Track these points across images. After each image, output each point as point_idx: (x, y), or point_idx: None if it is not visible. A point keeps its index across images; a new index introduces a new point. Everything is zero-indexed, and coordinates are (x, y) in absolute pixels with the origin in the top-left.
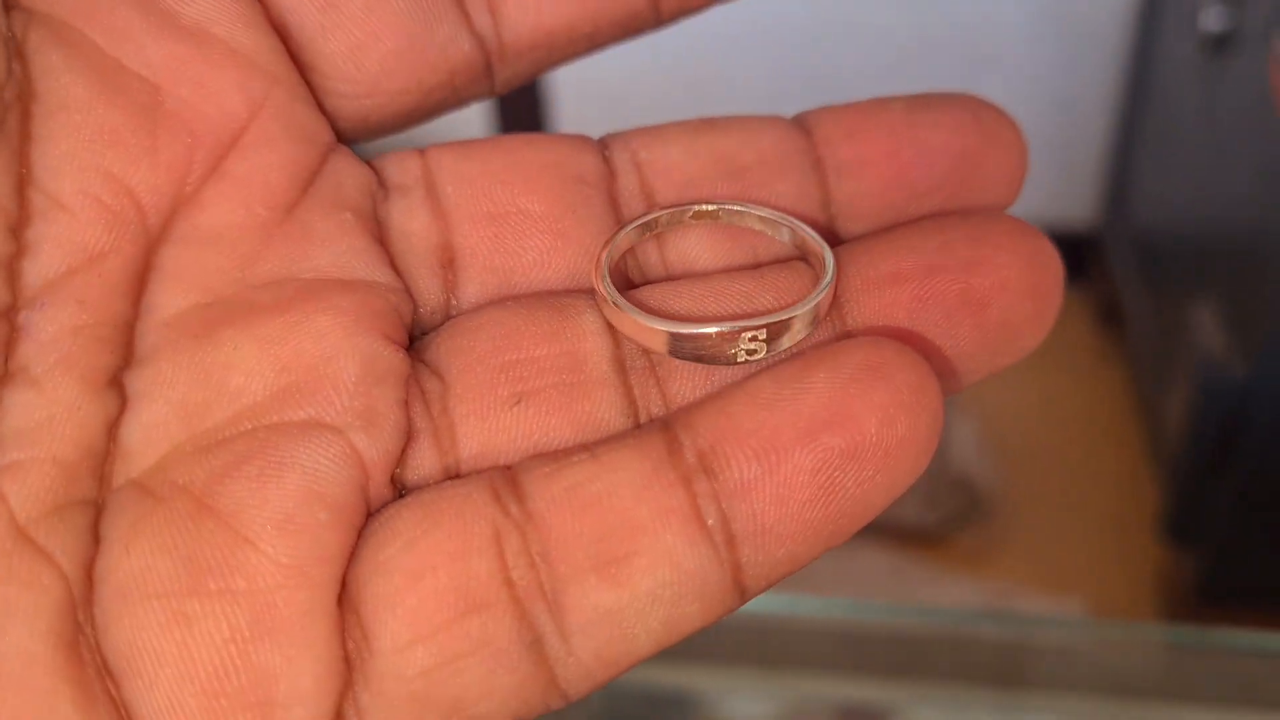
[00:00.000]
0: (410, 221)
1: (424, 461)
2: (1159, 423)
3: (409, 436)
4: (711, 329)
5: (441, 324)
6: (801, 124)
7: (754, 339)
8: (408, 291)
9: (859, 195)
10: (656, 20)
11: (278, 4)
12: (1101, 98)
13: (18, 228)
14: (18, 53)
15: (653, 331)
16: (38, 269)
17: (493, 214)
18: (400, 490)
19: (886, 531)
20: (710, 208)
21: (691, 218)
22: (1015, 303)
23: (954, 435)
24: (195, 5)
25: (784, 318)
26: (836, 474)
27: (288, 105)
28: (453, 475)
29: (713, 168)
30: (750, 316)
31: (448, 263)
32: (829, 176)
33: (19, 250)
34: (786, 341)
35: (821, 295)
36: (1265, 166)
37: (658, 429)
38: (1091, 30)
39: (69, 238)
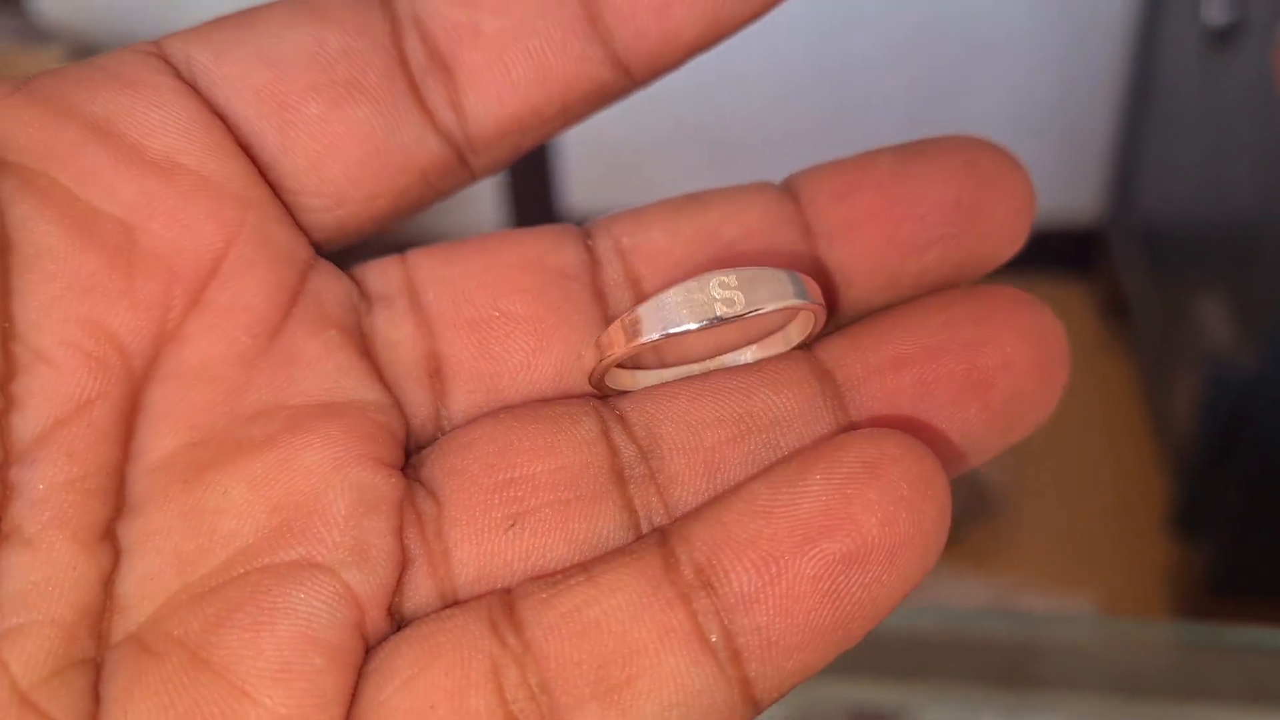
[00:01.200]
0: (395, 331)
1: (420, 589)
2: (1166, 416)
3: (404, 564)
4: (672, 288)
5: (433, 435)
6: (789, 189)
7: (724, 285)
8: (398, 406)
9: (852, 258)
10: (630, 84)
11: (240, 128)
12: (1106, 90)
13: (4, 382)
14: None
15: (630, 319)
16: (26, 424)
17: (475, 319)
18: (398, 620)
19: None
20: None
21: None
22: (1021, 381)
23: None
24: (161, 137)
25: (752, 269)
26: (840, 579)
27: (263, 228)
28: (450, 602)
29: (697, 247)
30: (754, 433)
31: (435, 372)
32: (819, 242)
33: (6, 405)
34: (761, 296)
35: (809, 280)
36: (1270, 158)
37: (654, 544)
38: (1095, 22)
39: (55, 390)
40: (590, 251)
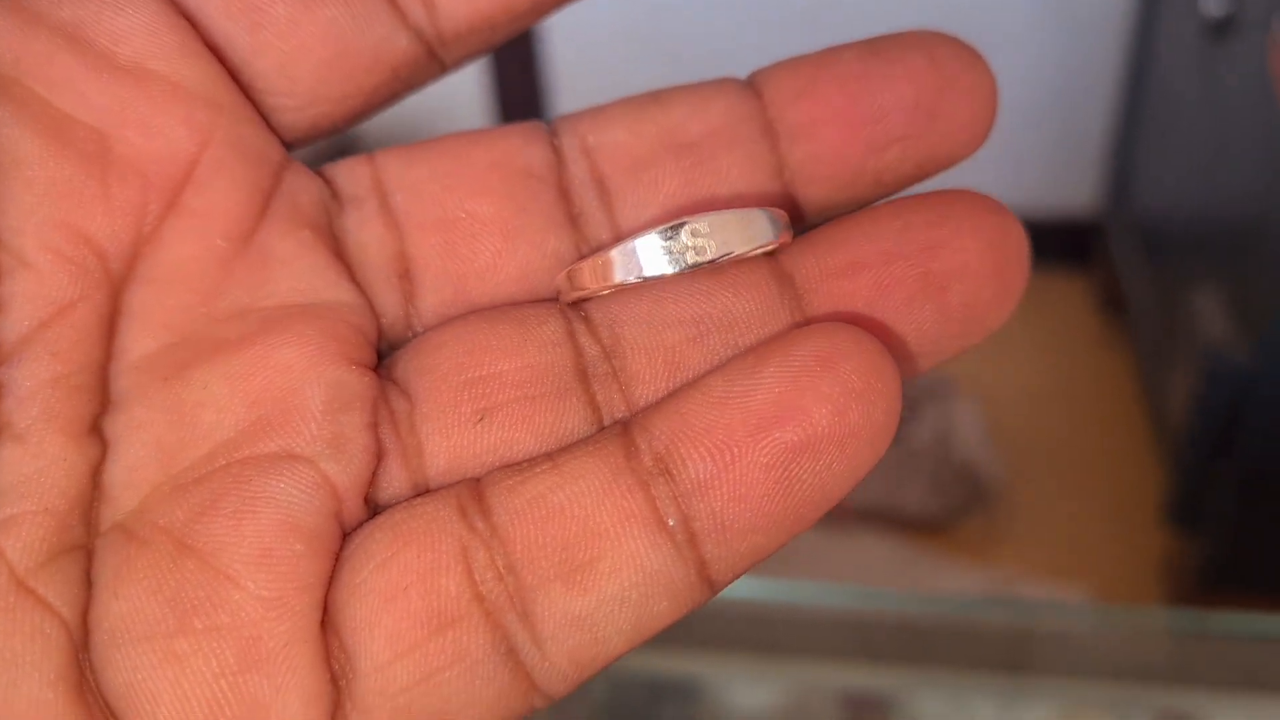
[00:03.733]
0: (365, 233)
1: (394, 481)
2: (1162, 408)
3: (379, 457)
4: (646, 234)
5: (404, 335)
6: (753, 85)
7: (695, 233)
8: (370, 306)
9: (813, 158)
10: None
11: (209, 30)
12: (1103, 84)
13: None
14: None
15: (604, 261)
16: (10, 326)
17: (442, 220)
18: (374, 509)
19: (890, 520)
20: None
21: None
22: (977, 285)
23: (958, 423)
24: (130, 43)
25: (721, 213)
26: (791, 467)
27: (235, 131)
28: (422, 492)
29: (660, 146)
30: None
31: (404, 273)
32: (781, 141)
33: None
34: (731, 240)
35: (778, 211)
36: (1267, 151)
37: (616, 434)
38: (1092, 16)
39: (37, 292)
40: (556, 150)
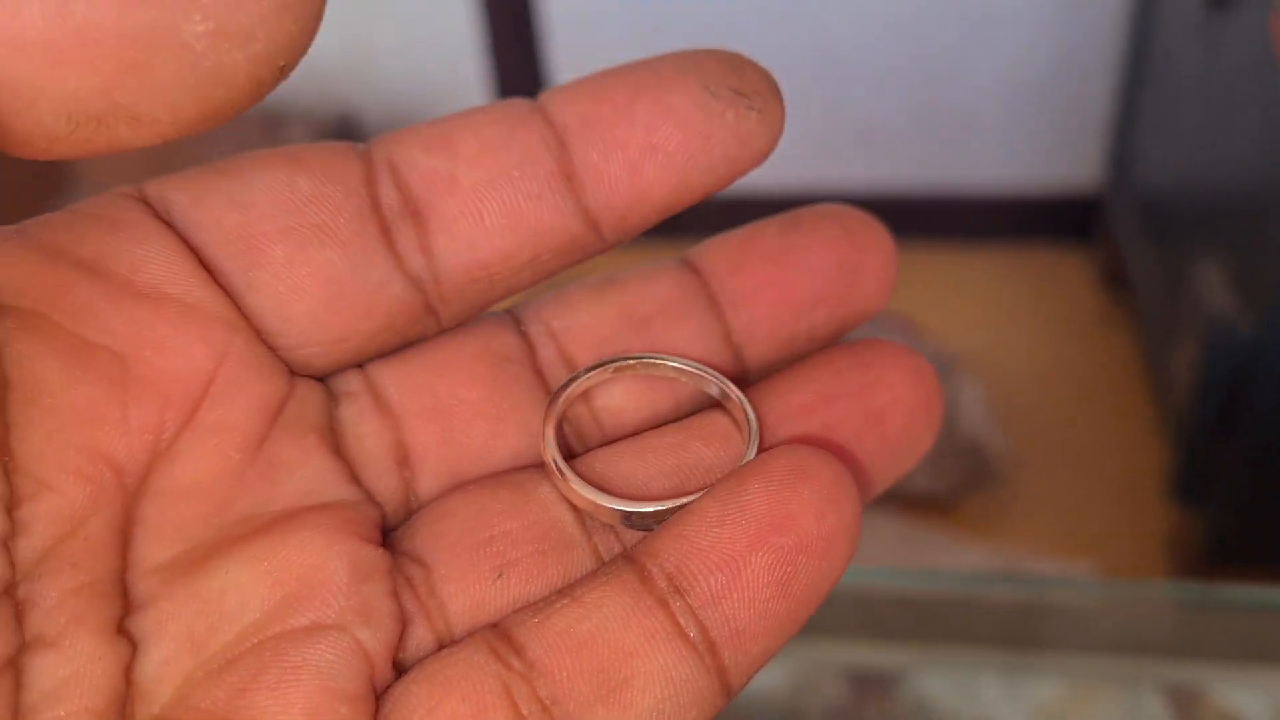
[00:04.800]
0: (363, 426)
1: (420, 643)
2: (1167, 384)
3: (404, 623)
4: (661, 506)
5: (404, 518)
6: (689, 264)
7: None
8: (371, 501)
9: (754, 321)
10: (601, 244)
11: (210, 267)
12: (1104, 59)
13: (11, 509)
14: None
15: (607, 510)
16: (30, 544)
17: (436, 408)
18: (399, 671)
19: (896, 499)
20: (630, 360)
21: (613, 371)
22: (908, 414)
23: (962, 401)
24: (147, 270)
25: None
26: (790, 568)
27: (249, 348)
28: (447, 645)
29: (620, 324)
30: (688, 490)
31: (403, 460)
32: (724, 310)
33: (13, 530)
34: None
35: (752, 454)
36: (1268, 124)
37: (624, 563)
38: None
39: (56, 512)
40: (524, 336)
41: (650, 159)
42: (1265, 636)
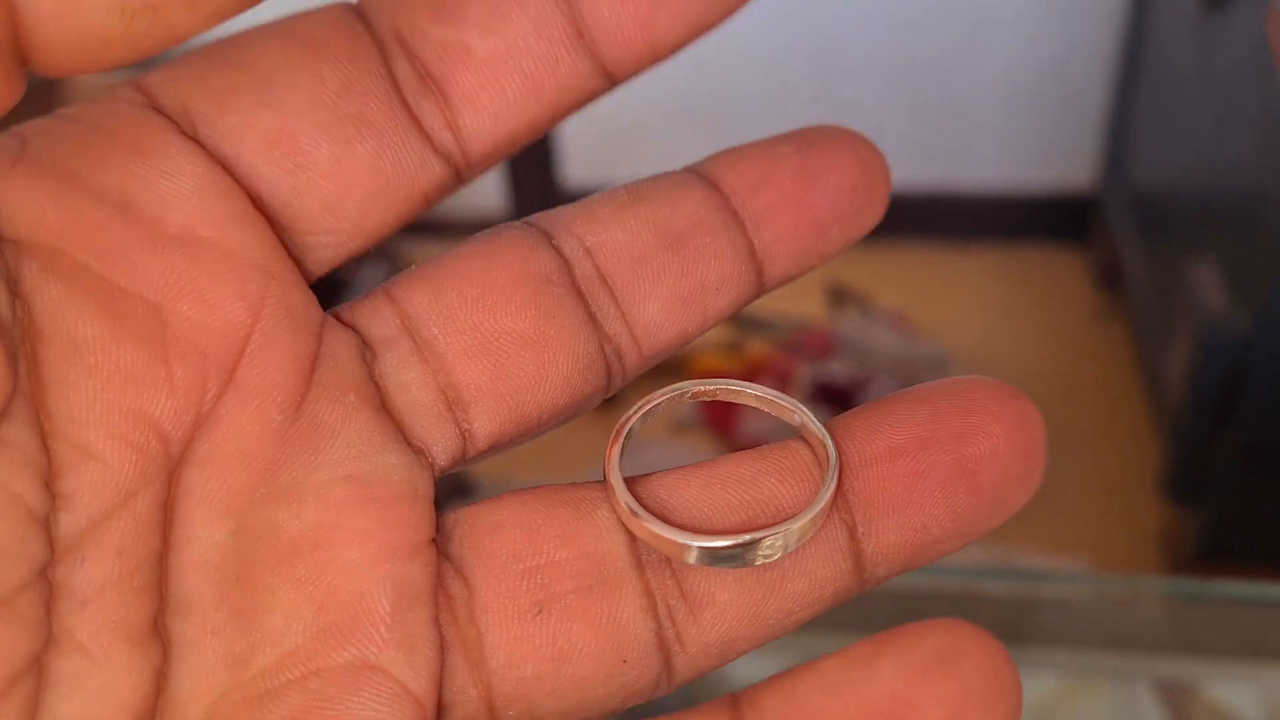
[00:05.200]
0: (406, 374)
1: (456, 676)
2: (1160, 382)
3: (443, 650)
4: (729, 541)
5: (463, 456)
6: (705, 178)
7: (770, 547)
8: (419, 460)
9: (777, 240)
10: (613, 85)
11: (249, 177)
12: (1100, 58)
13: (50, 480)
14: (17, 291)
15: (673, 544)
16: (74, 520)
17: (483, 344)
18: (440, 710)
19: None
20: (709, 386)
21: (689, 398)
22: (1006, 467)
23: None
24: (179, 209)
25: (797, 524)
26: None
27: (285, 298)
28: (482, 687)
29: (656, 241)
30: (763, 525)
31: (455, 402)
32: (748, 227)
33: (54, 505)
34: (801, 540)
35: (828, 494)
36: (1263, 124)
37: (724, 708)
38: None
39: (104, 484)
40: (559, 253)
41: (662, 8)
42: (1257, 631)
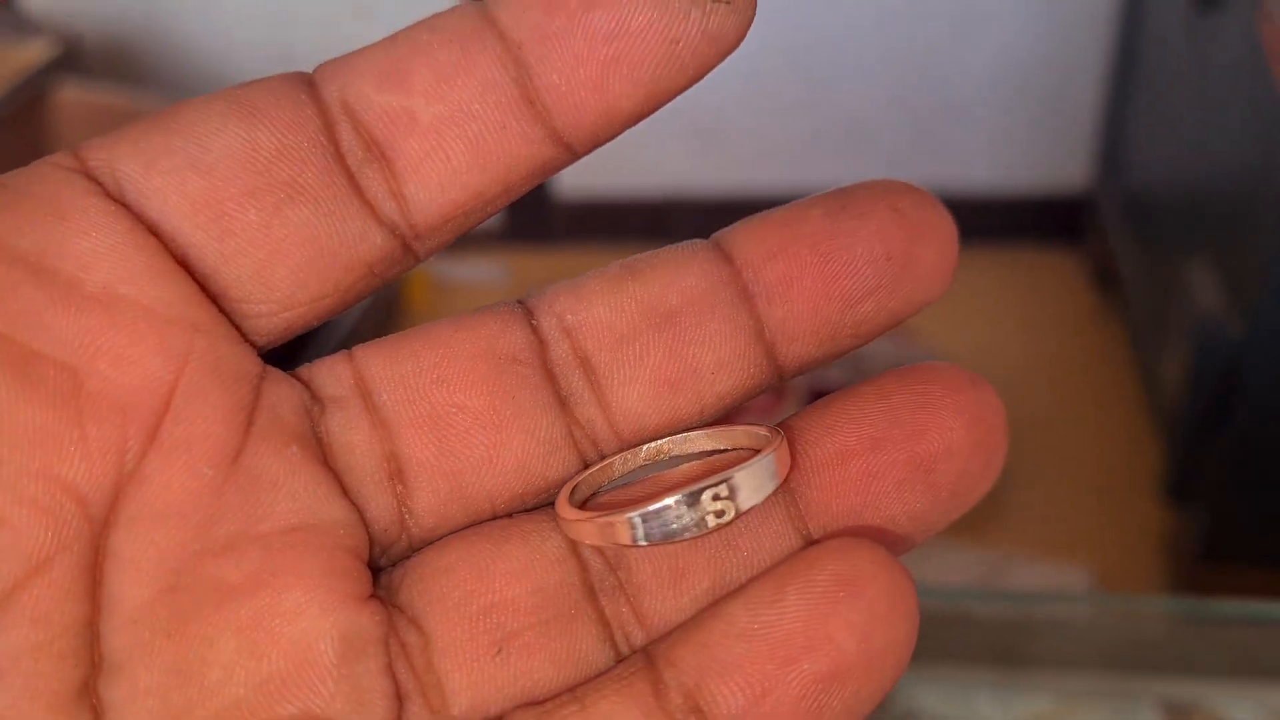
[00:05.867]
0: (351, 435)
1: None
2: (1157, 383)
3: (400, 700)
4: (671, 498)
5: (398, 536)
6: (721, 249)
7: (717, 497)
8: (362, 521)
9: (790, 317)
10: (572, 157)
11: (175, 241)
12: (1092, 58)
13: None
14: None
15: (619, 524)
16: None
17: (432, 416)
18: None
19: None
20: (662, 443)
21: (643, 459)
22: (962, 462)
23: None
24: (98, 268)
25: (742, 470)
26: (821, 697)
27: (211, 351)
28: None
29: (642, 320)
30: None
31: (396, 474)
32: (758, 303)
33: None
34: (751, 495)
35: (778, 445)
36: (1257, 123)
37: (641, 667)
38: None
39: (12, 552)
40: (535, 331)
41: (614, 73)
42: (1258, 650)
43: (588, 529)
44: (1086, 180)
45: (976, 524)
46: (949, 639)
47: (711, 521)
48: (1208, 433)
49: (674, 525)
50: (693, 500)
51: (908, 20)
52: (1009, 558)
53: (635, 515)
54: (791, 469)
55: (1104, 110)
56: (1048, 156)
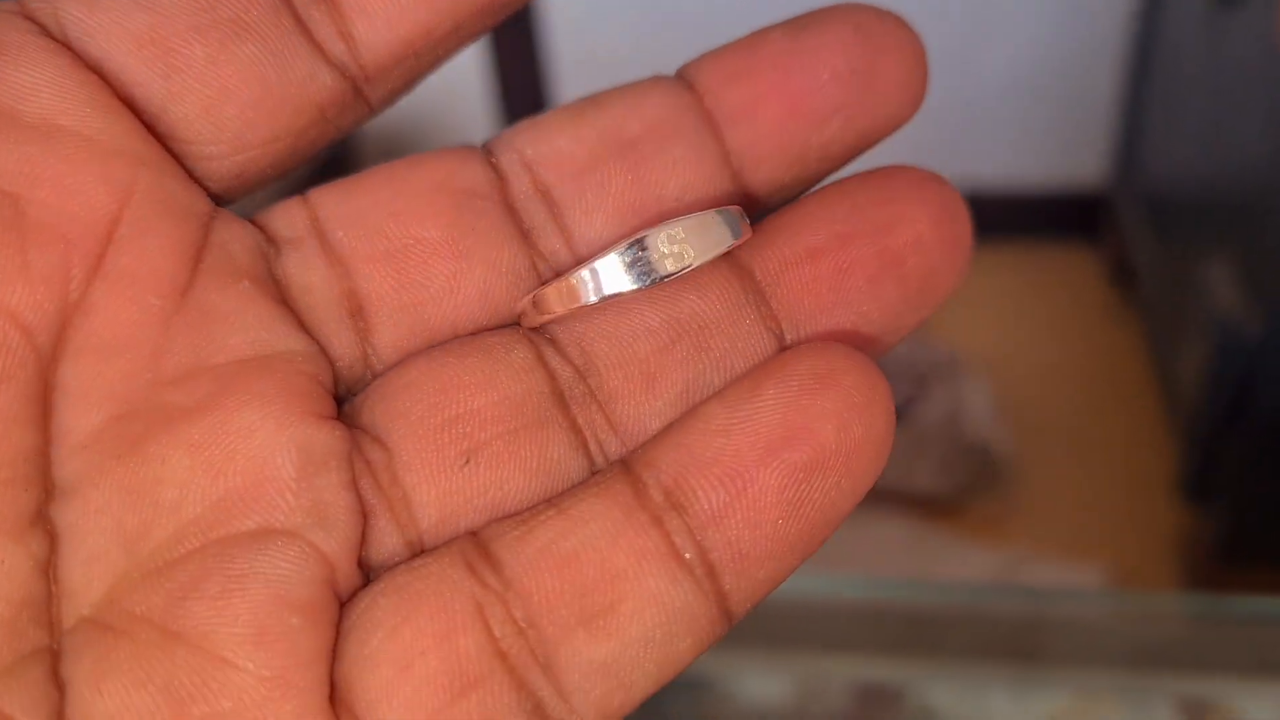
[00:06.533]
0: (308, 274)
1: (386, 539)
2: (1174, 382)
3: (365, 516)
4: (618, 248)
5: (362, 375)
6: (684, 78)
7: (671, 239)
8: (323, 353)
9: (757, 139)
10: None
11: (120, 79)
12: (1110, 55)
13: None
14: None
15: (570, 283)
16: None
17: (390, 250)
18: (367, 572)
19: (901, 500)
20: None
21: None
22: (931, 255)
23: (968, 401)
24: (36, 100)
25: (694, 216)
26: (803, 487)
27: (157, 184)
28: (417, 548)
29: (602, 148)
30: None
31: (356, 310)
32: (722, 127)
33: None
34: (707, 245)
35: (737, 207)
36: (1275, 121)
37: (619, 472)
38: None
39: None
40: (495, 168)
41: None
42: (1275, 648)
43: (543, 299)
44: (1104, 177)
45: (992, 524)
46: (965, 636)
47: (669, 265)
48: (1225, 431)
49: (625, 274)
50: (644, 244)
51: (926, 18)
52: (1024, 557)
53: (584, 270)
54: (761, 261)
55: (1121, 107)
56: (1065, 153)
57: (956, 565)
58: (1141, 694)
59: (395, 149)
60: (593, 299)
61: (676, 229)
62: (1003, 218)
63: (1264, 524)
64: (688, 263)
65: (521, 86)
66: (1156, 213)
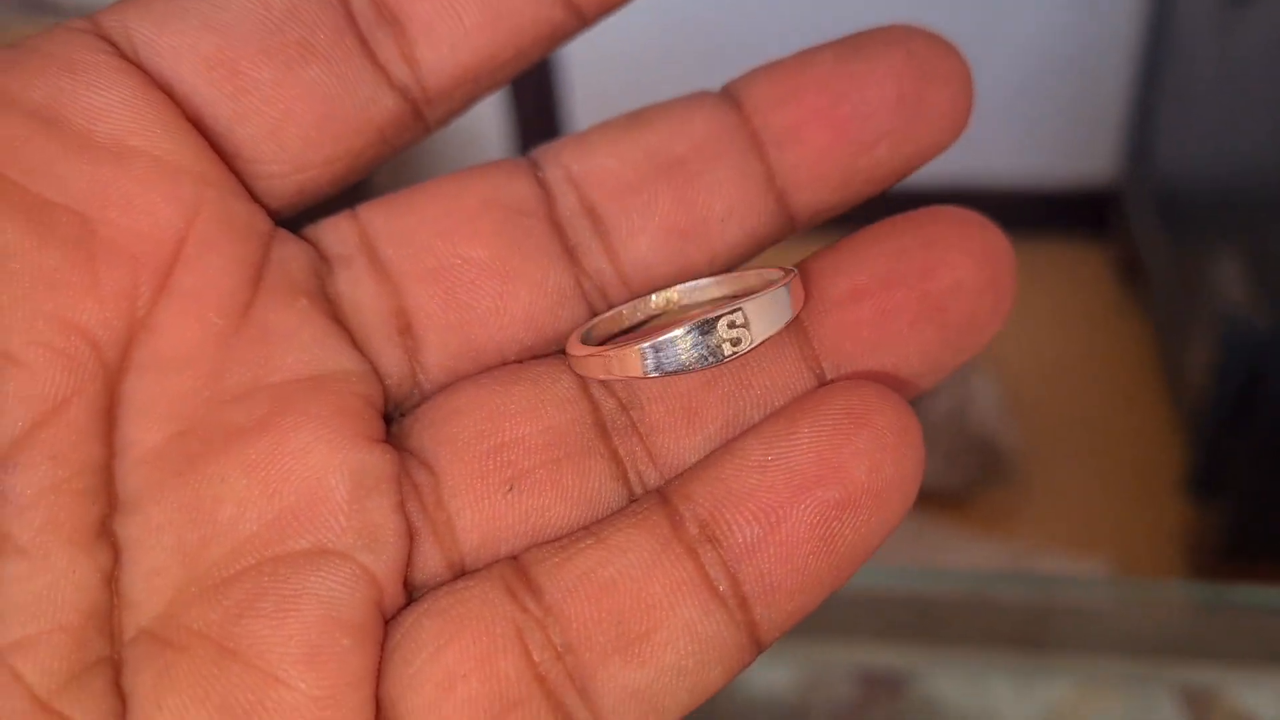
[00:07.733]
0: (358, 292)
1: (428, 560)
2: (1182, 378)
3: (411, 538)
4: (682, 328)
5: (410, 392)
6: (731, 96)
7: (732, 325)
8: (374, 372)
9: (803, 163)
10: (581, 24)
11: (189, 99)
12: (1121, 51)
13: None
14: None
15: (630, 355)
16: (3, 429)
17: (437, 269)
18: (410, 592)
19: None
20: (672, 291)
21: (653, 307)
22: (973, 300)
23: (975, 395)
24: (108, 120)
25: (756, 299)
26: (834, 524)
27: (222, 204)
28: (458, 570)
29: (649, 167)
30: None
31: (405, 329)
32: (768, 149)
33: None
34: (766, 326)
35: (791, 278)
36: None
37: (656, 503)
38: None
39: (29, 391)
40: (542, 183)
41: None
42: (1278, 638)
43: (597, 363)
44: (1113, 173)
45: (998, 518)
46: (969, 624)
47: (727, 350)
48: (1232, 427)
49: (684, 356)
50: (707, 329)
51: (935, 12)
52: (1030, 551)
53: (647, 345)
54: (805, 303)
55: (1132, 103)
56: (1075, 149)
57: (962, 559)
58: (1145, 682)
59: (400, 150)
60: (652, 375)
61: (739, 314)
62: (1012, 213)
63: (1270, 520)
64: (747, 346)
65: (532, 85)
66: (1166, 210)
